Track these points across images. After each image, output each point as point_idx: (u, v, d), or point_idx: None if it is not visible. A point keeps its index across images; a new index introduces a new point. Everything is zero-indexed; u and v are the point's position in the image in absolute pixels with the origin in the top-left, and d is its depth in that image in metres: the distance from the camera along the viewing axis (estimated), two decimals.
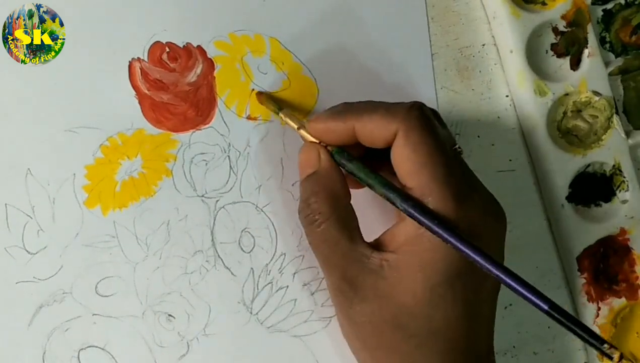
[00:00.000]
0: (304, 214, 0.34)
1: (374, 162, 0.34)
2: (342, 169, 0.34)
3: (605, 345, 0.28)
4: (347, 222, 0.34)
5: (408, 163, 0.32)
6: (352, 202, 0.35)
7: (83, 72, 0.36)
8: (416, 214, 0.31)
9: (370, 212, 0.38)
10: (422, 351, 0.32)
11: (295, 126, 0.36)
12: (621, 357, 0.28)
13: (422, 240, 0.31)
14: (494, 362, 0.35)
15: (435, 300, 0.31)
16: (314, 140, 0.35)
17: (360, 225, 0.34)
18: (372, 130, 0.33)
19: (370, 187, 0.33)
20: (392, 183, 0.32)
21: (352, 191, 0.35)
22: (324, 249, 0.34)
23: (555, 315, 0.28)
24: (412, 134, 0.32)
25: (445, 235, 0.30)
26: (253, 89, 0.38)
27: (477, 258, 0.30)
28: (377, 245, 0.33)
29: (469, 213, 0.31)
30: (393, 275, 0.32)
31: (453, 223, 0.31)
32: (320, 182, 0.34)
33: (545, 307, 0.29)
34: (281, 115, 0.37)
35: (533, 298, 0.29)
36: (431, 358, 0.32)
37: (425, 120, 0.32)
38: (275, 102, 0.37)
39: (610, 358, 0.28)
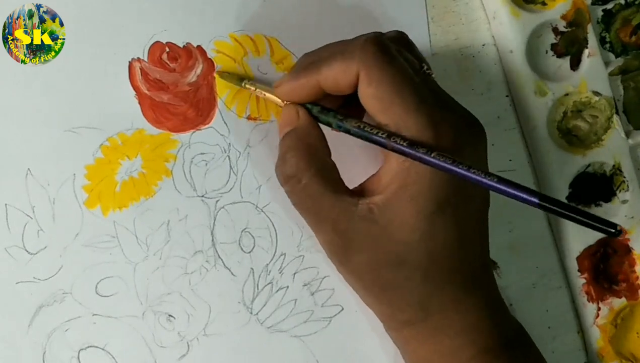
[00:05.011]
0: (281, 170, 0.33)
1: (350, 109, 0.34)
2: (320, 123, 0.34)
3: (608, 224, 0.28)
4: (329, 174, 0.33)
5: (376, 101, 0.31)
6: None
7: (83, 72, 0.36)
8: (404, 148, 0.31)
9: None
10: (429, 281, 0.32)
11: (264, 92, 0.35)
12: (618, 231, 0.27)
13: (408, 174, 0.31)
14: (491, 279, 0.35)
15: (430, 228, 0.32)
16: (281, 102, 0.35)
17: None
18: (334, 79, 0.32)
19: (350, 133, 0.33)
20: (371, 124, 0.32)
21: (332, 147, 0.34)
22: (309, 205, 0.33)
23: (548, 206, 0.28)
24: (373, 71, 0.31)
25: (436, 161, 0.30)
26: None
27: (469, 174, 0.30)
28: (362, 192, 0.33)
29: (447, 136, 0.31)
30: (384, 216, 0.32)
31: (435, 149, 0.31)
32: (298, 137, 0.33)
33: (536, 201, 0.28)
34: (245, 85, 0.37)
35: (522, 195, 0.29)
36: (436, 286, 0.32)
37: (382, 53, 0.32)
38: (236, 75, 0.37)
39: (611, 233, 0.27)
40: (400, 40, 0.35)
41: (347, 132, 0.33)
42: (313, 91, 0.33)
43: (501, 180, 0.29)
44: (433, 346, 0.34)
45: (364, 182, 0.34)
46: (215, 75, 0.38)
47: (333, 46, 0.34)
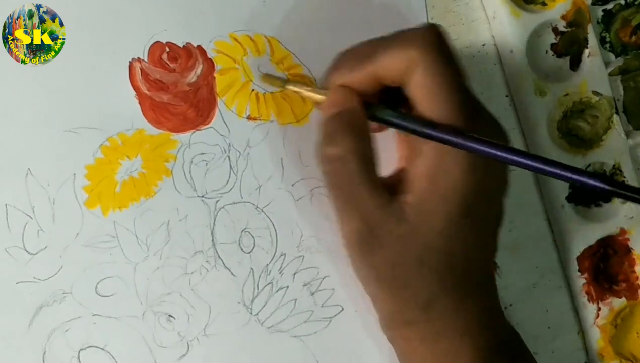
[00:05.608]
0: (326, 150, 0.33)
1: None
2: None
3: None
4: (371, 164, 0.33)
5: (425, 91, 0.31)
6: None
7: (83, 72, 0.36)
8: (452, 138, 0.31)
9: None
10: (441, 283, 0.32)
11: (308, 93, 0.35)
12: None
13: (439, 175, 0.31)
14: (493, 286, 0.35)
15: (454, 232, 0.32)
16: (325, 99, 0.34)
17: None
18: (391, 68, 0.32)
19: (404, 129, 0.32)
20: (420, 118, 0.32)
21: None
22: (346, 190, 0.32)
23: (617, 190, 0.29)
24: (431, 60, 0.31)
25: (481, 147, 0.30)
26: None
27: (521, 159, 0.30)
28: (393, 185, 0.33)
29: (481, 133, 0.32)
30: (415, 217, 0.32)
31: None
32: (347, 120, 0.33)
33: (600, 184, 0.29)
34: (290, 87, 0.36)
35: (576, 177, 0.29)
36: (446, 288, 0.32)
37: (442, 44, 0.32)
38: (278, 78, 0.37)
39: None
40: None
41: (404, 129, 0.33)
42: (370, 83, 0.33)
43: (562, 166, 0.30)
44: (430, 347, 0.33)
45: (392, 174, 0.34)
46: (261, 77, 0.38)
47: (386, 37, 0.33)
